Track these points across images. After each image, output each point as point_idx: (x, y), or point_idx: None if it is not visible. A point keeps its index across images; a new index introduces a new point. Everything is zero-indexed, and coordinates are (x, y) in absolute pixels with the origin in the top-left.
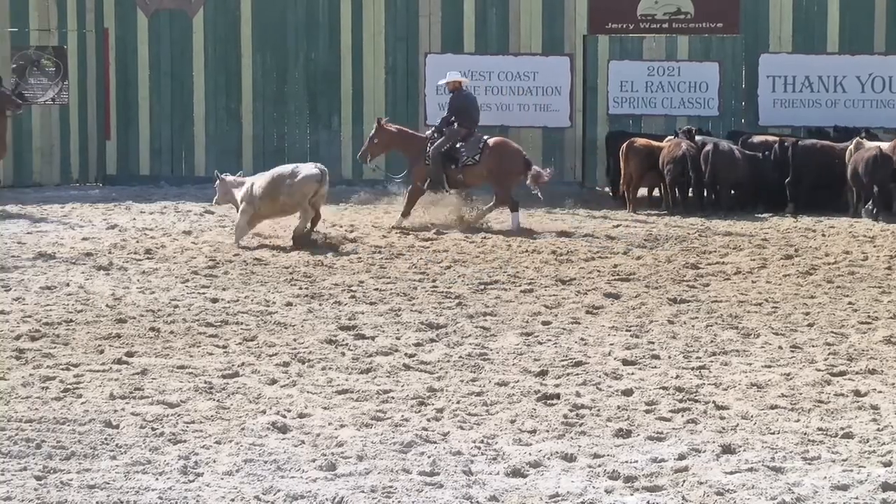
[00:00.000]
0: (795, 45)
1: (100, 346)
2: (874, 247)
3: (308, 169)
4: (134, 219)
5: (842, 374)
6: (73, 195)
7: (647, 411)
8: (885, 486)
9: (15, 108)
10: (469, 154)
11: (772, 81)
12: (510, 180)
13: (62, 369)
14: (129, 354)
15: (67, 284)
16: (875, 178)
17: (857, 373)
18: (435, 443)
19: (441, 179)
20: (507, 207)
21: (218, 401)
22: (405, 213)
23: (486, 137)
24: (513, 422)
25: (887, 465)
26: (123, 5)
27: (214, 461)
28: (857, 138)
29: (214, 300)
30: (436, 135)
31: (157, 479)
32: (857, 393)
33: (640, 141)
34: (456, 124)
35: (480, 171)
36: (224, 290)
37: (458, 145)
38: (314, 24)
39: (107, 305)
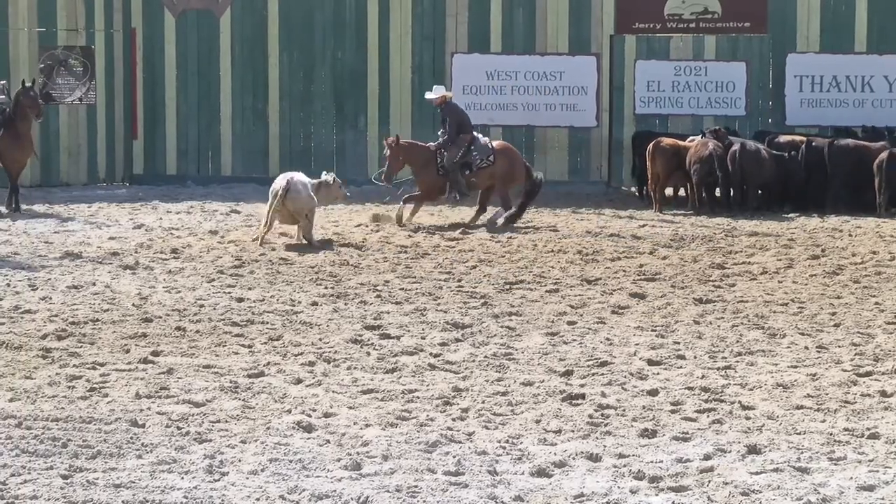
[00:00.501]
0: (823, 44)
1: (126, 345)
2: None
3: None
4: (160, 218)
5: (868, 374)
6: (99, 195)
7: (673, 411)
8: None
9: (36, 115)
10: (482, 157)
11: (799, 81)
12: (514, 183)
13: (88, 368)
14: (155, 354)
15: (94, 284)
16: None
17: (883, 373)
18: (460, 442)
19: (463, 185)
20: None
21: (243, 400)
22: (400, 222)
23: (488, 141)
24: (538, 422)
25: None
26: (151, 5)
27: (240, 460)
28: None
29: (240, 300)
30: (443, 146)
31: (182, 478)
32: (884, 393)
33: (667, 140)
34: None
35: (493, 171)
36: (250, 289)
37: (471, 151)
38: (341, 24)
39: (133, 305)
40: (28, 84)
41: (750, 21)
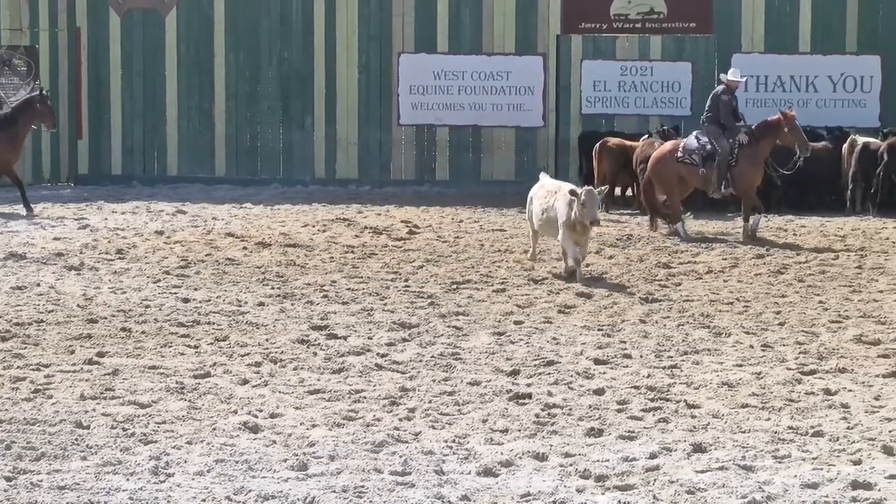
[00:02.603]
0: (768, 44)
1: (71, 346)
2: (844, 246)
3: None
4: (105, 219)
5: (812, 372)
6: (44, 195)
7: (619, 410)
8: (855, 485)
9: (51, 125)
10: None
11: (745, 81)
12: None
13: (33, 370)
14: (100, 355)
15: (38, 284)
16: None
17: (827, 371)
18: (407, 442)
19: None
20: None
21: (189, 401)
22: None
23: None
24: (484, 421)
25: (857, 463)
26: (96, 4)
27: (185, 461)
28: (851, 137)
29: (186, 300)
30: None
31: (127, 479)
32: (828, 392)
33: (614, 140)
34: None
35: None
36: (196, 289)
37: None
38: (287, 24)
39: (78, 305)
40: (46, 92)
41: (695, 21)
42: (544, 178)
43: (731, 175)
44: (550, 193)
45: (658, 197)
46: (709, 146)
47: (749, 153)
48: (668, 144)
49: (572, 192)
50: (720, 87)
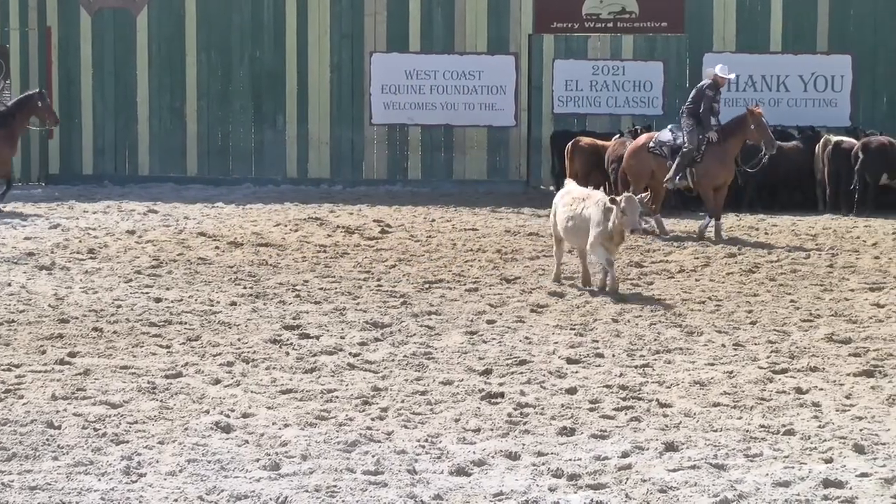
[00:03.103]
0: (739, 44)
1: (42, 346)
2: (816, 245)
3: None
4: (77, 218)
5: (784, 371)
6: (15, 195)
7: (591, 409)
8: (826, 483)
9: (54, 121)
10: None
11: (733, 78)
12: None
13: (3, 370)
14: (72, 355)
15: (9, 284)
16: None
17: (798, 370)
18: (379, 442)
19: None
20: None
21: (161, 401)
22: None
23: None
24: (457, 421)
25: (828, 461)
26: (66, 3)
27: (157, 461)
28: (825, 137)
29: (158, 300)
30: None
31: (99, 479)
32: (799, 390)
33: (586, 140)
34: None
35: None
36: (168, 289)
37: None
38: (259, 23)
39: (49, 305)
40: (43, 90)
41: (667, 21)
42: (570, 185)
43: (695, 170)
44: (577, 200)
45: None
46: (679, 140)
47: (717, 151)
48: (643, 137)
49: (612, 201)
50: (706, 82)
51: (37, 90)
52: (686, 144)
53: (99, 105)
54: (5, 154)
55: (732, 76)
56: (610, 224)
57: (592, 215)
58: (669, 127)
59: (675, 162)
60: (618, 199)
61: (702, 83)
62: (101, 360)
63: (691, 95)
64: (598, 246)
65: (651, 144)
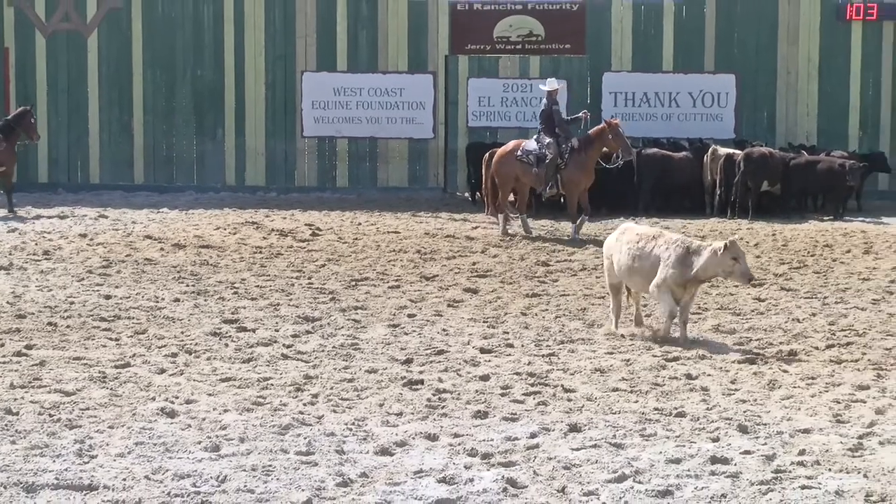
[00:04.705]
0: (635, 64)
1: (0, 339)
2: None
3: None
4: (33, 223)
5: (675, 359)
6: None
7: (503, 395)
8: (714, 460)
9: (36, 137)
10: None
11: (614, 97)
12: None
13: None
14: (29, 347)
15: None
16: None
17: (689, 358)
18: (310, 425)
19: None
20: None
21: (111, 389)
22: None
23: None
24: (381, 405)
25: (715, 440)
26: (23, 26)
27: (108, 444)
28: (713, 147)
29: (108, 297)
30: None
31: (54, 461)
32: (689, 376)
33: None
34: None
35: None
36: (117, 287)
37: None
38: (200, 44)
39: (7, 302)
40: (27, 108)
41: (570, 43)
42: (629, 224)
43: (560, 177)
44: (647, 239)
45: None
46: (544, 149)
47: (579, 158)
48: (511, 143)
49: (728, 246)
50: (544, 101)
51: (27, 107)
52: (549, 156)
53: (53, 119)
54: (10, 164)
55: (561, 85)
56: (694, 270)
57: (664, 255)
58: (535, 137)
59: (544, 173)
60: (724, 243)
61: (543, 105)
62: (56, 351)
63: (539, 116)
64: (666, 291)
65: (518, 153)
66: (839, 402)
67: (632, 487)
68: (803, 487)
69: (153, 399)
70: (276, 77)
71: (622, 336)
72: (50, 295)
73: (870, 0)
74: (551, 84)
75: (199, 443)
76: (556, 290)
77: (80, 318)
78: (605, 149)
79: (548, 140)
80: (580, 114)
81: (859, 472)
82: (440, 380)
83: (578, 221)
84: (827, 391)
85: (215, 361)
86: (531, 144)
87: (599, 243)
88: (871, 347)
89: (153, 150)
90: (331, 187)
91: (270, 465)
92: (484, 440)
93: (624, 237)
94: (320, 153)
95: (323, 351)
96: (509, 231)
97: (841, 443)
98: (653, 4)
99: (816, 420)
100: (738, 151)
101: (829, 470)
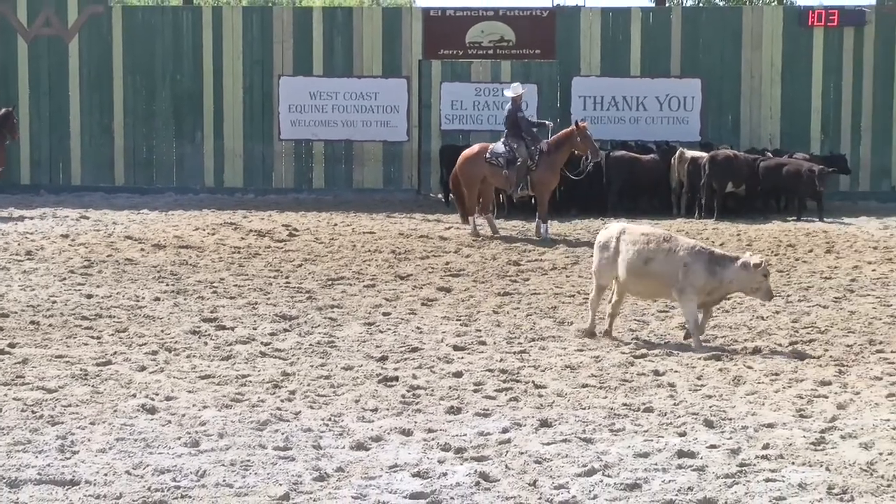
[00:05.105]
0: (603, 69)
1: None
2: None
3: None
4: (16, 224)
5: (643, 356)
6: None
7: (475, 391)
8: (680, 454)
9: (16, 137)
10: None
11: (583, 101)
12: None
13: None
14: (12, 345)
15: None
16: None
17: (656, 355)
18: (288, 421)
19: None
20: None
21: (93, 386)
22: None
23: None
24: (357, 401)
25: (682, 435)
26: (5, 31)
27: (89, 440)
28: (680, 150)
29: (89, 296)
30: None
31: (36, 456)
32: (657, 373)
33: None
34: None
35: None
36: (98, 286)
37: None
38: (179, 49)
39: None
40: (10, 109)
41: (540, 48)
42: (624, 223)
43: (530, 178)
44: (658, 241)
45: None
46: (513, 152)
47: (548, 160)
48: (477, 146)
49: (761, 264)
50: (509, 106)
51: (10, 108)
52: (519, 158)
53: (35, 122)
54: (2, 162)
55: (525, 90)
56: (720, 281)
57: (687, 261)
58: (503, 139)
59: (514, 175)
60: (758, 260)
61: (508, 110)
62: (38, 350)
63: (506, 122)
64: (693, 299)
65: (487, 155)
66: (802, 398)
67: (601, 481)
68: (767, 480)
69: (134, 396)
70: (254, 81)
71: (596, 335)
72: (32, 294)
73: (831, 7)
74: (515, 89)
75: (179, 438)
76: (528, 288)
77: (63, 316)
78: (574, 151)
79: (516, 143)
80: (546, 122)
81: (821, 466)
82: (414, 376)
83: (545, 228)
84: (790, 387)
85: (195, 359)
86: (499, 147)
87: (570, 243)
88: (833, 344)
89: (133, 153)
90: (307, 189)
91: (249, 460)
92: (457, 435)
93: (627, 237)
94: (297, 155)
95: (300, 348)
96: (480, 231)
97: (804, 437)
98: (621, 11)
99: (780, 415)
100: (703, 154)
101: (793, 463)
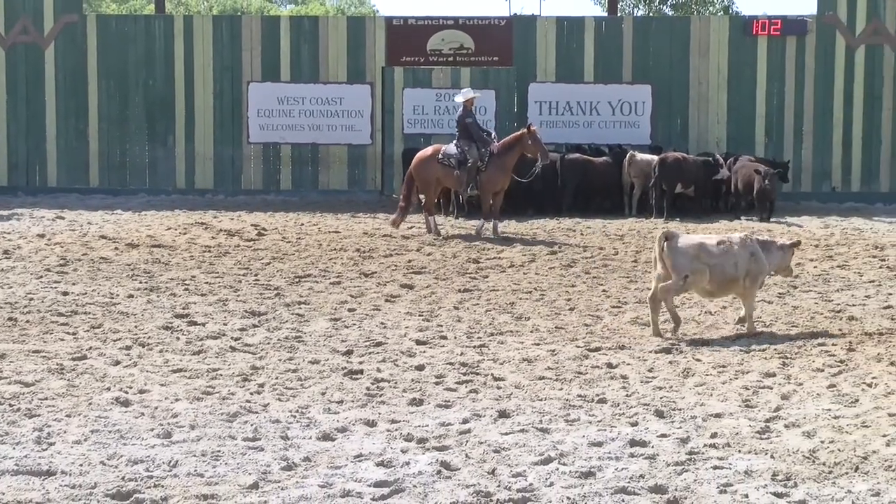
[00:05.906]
0: (558, 75)
1: None
2: (623, 244)
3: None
4: None
5: (597, 350)
6: None
7: (437, 383)
8: (633, 443)
9: None
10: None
11: (539, 106)
12: None
13: None
14: None
15: None
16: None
17: (609, 349)
18: (257, 413)
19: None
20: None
21: (68, 380)
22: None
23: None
24: (323, 394)
25: (634, 424)
26: None
27: (65, 432)
28: (630, 153)
29: (65, 293)
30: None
31: (14, 448)
32: (610, 365)
33: None
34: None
35: None
36: (74, 284)
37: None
38: (152, 56)
39: None
40: None
41: (498, 56)
42: (673, 229)
43: (479, 178)
44: (727, 244)
45: (416, 194)
46: (465, 153)
47: (497, 162)
48: (430, 148)
49: (797, 244)
50: (460, 111)
51: None
52: (470, 160)
53: (12, 126)
54: None
55: (476, 95)
56: (771, 267)
57: (755, 252)
58: (454, 142)
59: (465, 175)
60: (795, 242)
61: (458, 114)
62: (16, 345)
63: (457, 126)
64: (755, 295)
65: (440, 156)
66: (748, 389)
67: (557, 469)
68: (715, 468)
69: (108, 389)
70: (224, 87)
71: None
72: (10, 292)
73: (774, 17)
74: (465, 95)
75: (152, 430)
76: (487, 285)
77: (39, 313)
78: (525, 153)
79: (468, 146)
80: (492, 132)
81: (766, 454)
82: (378, 370)
83: (480, 225)
84: (737, 378)
85: (167, 353)
86: (452, 149)
87: (527, 242)
88: (777, 338)
89: (108, 156)
90: (275, 190)
91: (219, 451)
92: (419, 426)
93: (695, 246)
94: (265, 158)
95: (268, 343)
96: (441, 231)
97: (749, 426)
98: (575, 20)
99: (727, 405)
100: (654, 157)
101: (739, 451)
